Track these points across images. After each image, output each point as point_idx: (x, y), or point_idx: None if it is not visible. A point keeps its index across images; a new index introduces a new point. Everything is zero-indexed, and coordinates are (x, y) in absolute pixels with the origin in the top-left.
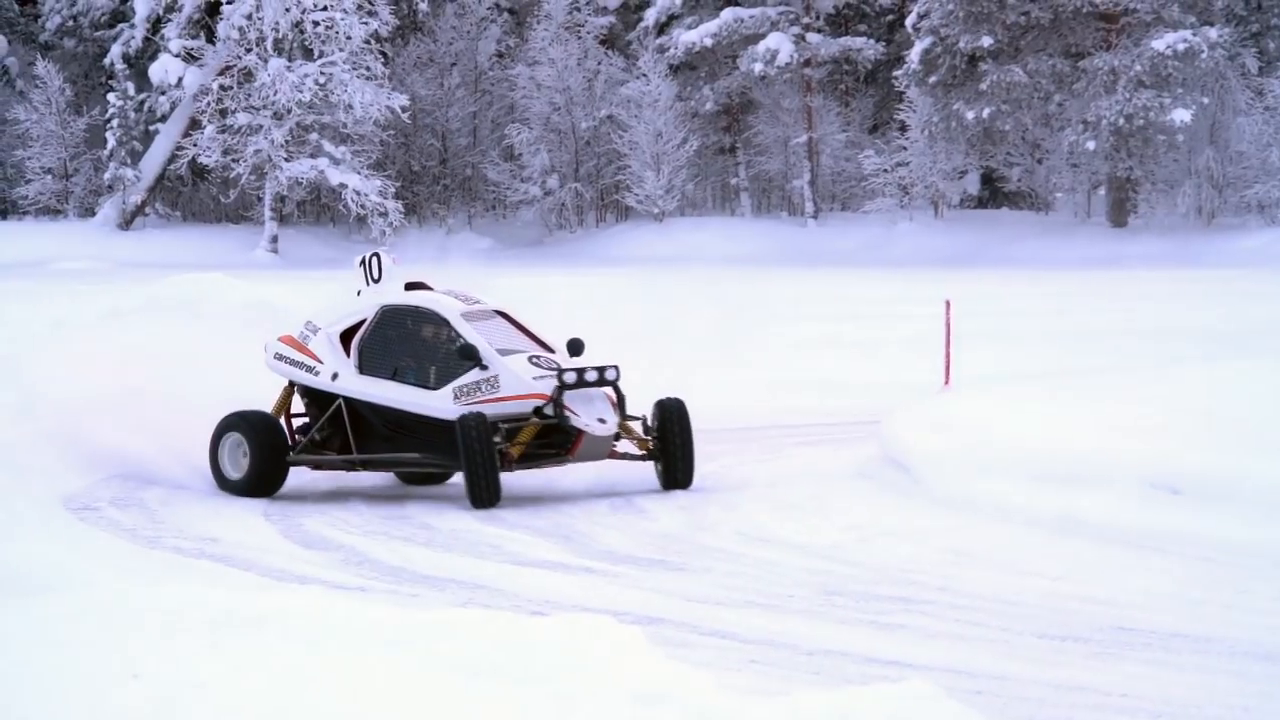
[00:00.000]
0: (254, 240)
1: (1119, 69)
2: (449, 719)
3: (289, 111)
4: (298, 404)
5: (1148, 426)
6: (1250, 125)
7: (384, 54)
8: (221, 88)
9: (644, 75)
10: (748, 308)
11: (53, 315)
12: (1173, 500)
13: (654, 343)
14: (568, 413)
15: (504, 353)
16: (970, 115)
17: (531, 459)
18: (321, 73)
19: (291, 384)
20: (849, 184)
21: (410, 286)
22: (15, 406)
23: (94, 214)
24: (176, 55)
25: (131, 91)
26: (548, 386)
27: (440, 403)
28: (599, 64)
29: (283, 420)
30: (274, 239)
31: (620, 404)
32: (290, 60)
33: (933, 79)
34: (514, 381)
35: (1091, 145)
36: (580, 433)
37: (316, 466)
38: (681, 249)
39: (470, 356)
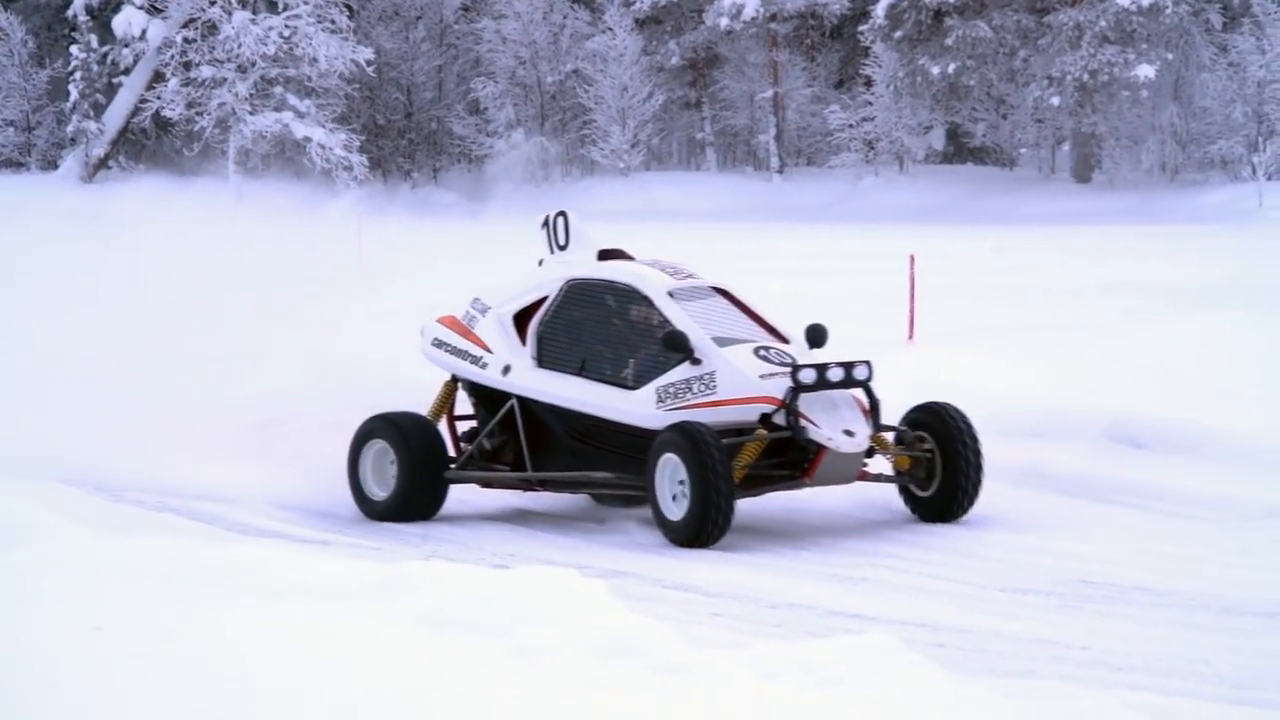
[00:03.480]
0: (219, 193)
1: (1084, 24)
2: (411, 671)
3: (253, 64)
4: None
5: (1111, 381)
6: (1214, 81)
7: (349, 7)
8: (185, 40)
9: (609, 29)
10: (711, 261)
11: None
12: (1135, 454)
13: None
14: (805, 422)
15: (723, 342)
16: (935, 70)
17: (757, 482)
18: (286, 25)
19: (454, 379)
20: (814, 139)
21: (606, 255)
22: None
23: (56, 167)
24: (140, 7)
25: (95, 44)
26: (779, 388)
27: (639, 406)
28: (564, 18)
29: (443, 425)
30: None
31: (873, 411)
32: (254, 13)
33: (898, 34)
34: (735, 380)
35: (1056, 101)
36: (821, 448)
37: (485, 484)
38: (647, 203)
39: (678, 347)
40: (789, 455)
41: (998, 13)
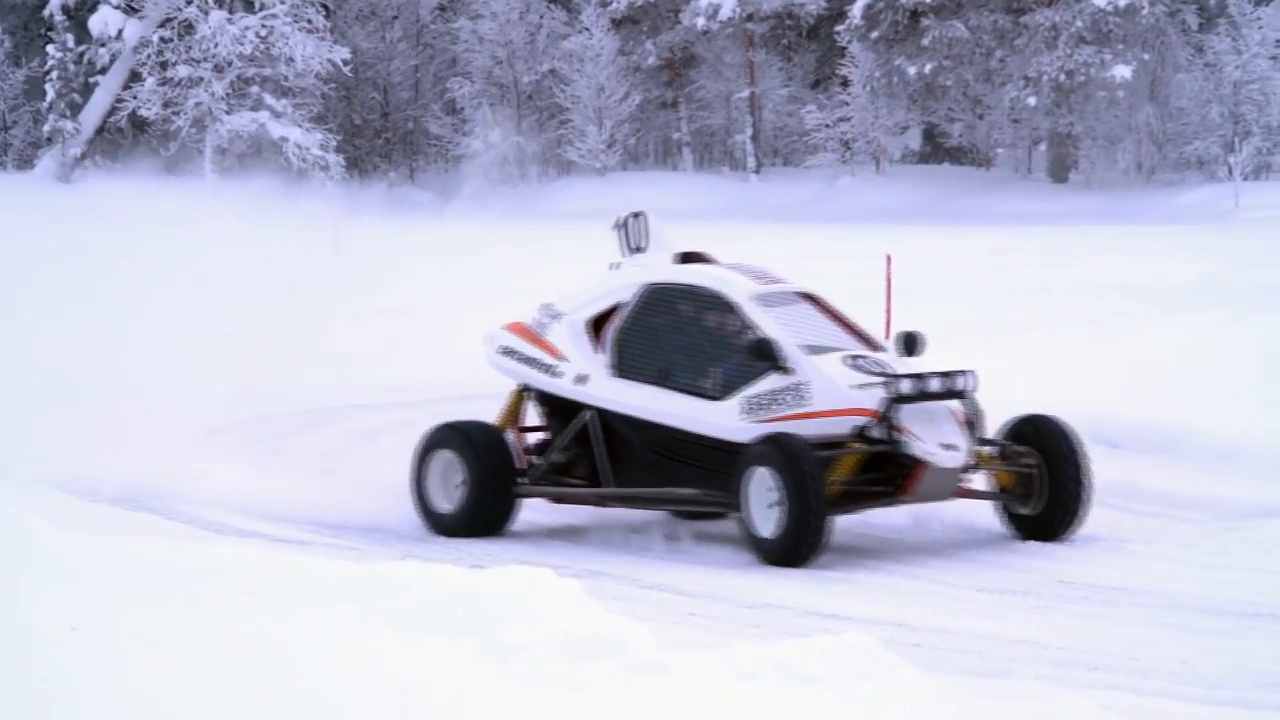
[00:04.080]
0: (195, 193)
1: (1060, 25)
2: (388, 670)
3: (230, 64)
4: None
5: (1088, 381)
6: (1190, 82)
7: (325, 7)
8: (162, 40)
9: (586, 29)
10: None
11: None
12: (1112, 454)
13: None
14: (904, 435)
15: (813, 350)
16: (912, 71)
17: (852, 499)
18: (263, 25)
19: (523, 388)
20: (791, 139)
21: (686, 258)
22: None
23: (33, 166)
24: (116, 7)
25: (71, 43)
26: (874, 399)
27: (724, 418)
28: (541, 18)
29: (511, 436)
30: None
31: (973, 423)
32: (231, 12)
33: (875, 34)
34: (828, 391)
35: (1032, 101)
36: (920, 463)
37: (556, 499)
38: (623, 203)
39: (767, 355)
40: (883, 470)
41: (974, 13)
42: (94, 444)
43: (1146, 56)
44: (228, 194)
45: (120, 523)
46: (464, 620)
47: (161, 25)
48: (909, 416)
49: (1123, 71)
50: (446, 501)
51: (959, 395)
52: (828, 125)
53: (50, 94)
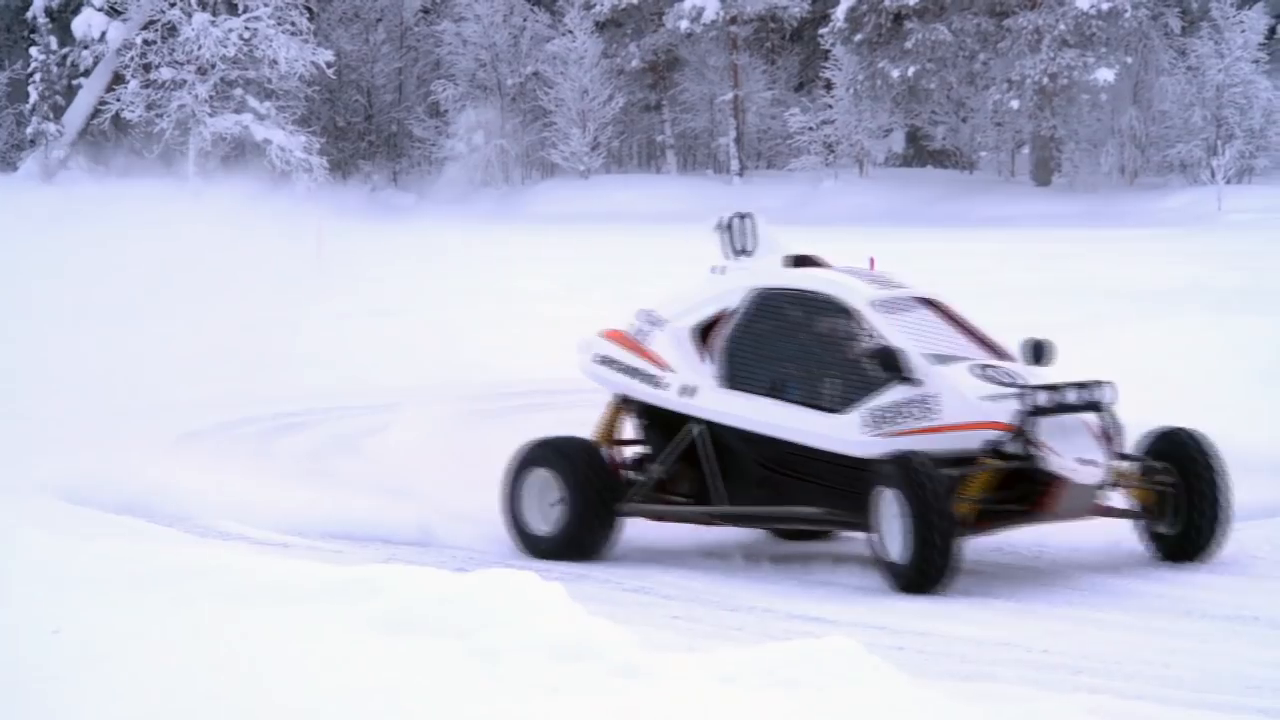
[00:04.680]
0: (178, 195)
1: (1043, 28)
2: (370, 673)
3: (213, 66)
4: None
5: None
6: (1173, 85)
7: (309, 9)
8: (145, 42)
9: (570, 32)
10: (673, 264)
11: None
12: None
13: (557, 301)
14: (1042, 450)
15: (939, 359)
16: (895, 73)
17: (987, 520)
18: (246, 27)
19: (621, 400)
20: (774, 142)
21: (797, 262)
22: None
23: (16, 168)
24: (100, 9)
25: (54, 45)
26: (1008, 412)
27: (846, 432)
28: (525, 20)
29: (608, 451)
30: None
31: (1111, 438)
32: (214, 14)
33: (858, 37)
34: (958, 403)
35: (1016, 104)
36: (1058, 480)
37: (658, 518)
38: (607, 206)
39: (892, 365)
40: (1014, 487)
41: (957, 16)
42: (73, 447)
43: (1129, 60)
44: (211, 196)
45: (101, 526)
46: (446, 623)
47: (145, 27)
48: (1044, 430)
49: (1106, 75)
50: (544, 523)
51: (1098, 408)
52: (811, 128)
53: (33, 96)
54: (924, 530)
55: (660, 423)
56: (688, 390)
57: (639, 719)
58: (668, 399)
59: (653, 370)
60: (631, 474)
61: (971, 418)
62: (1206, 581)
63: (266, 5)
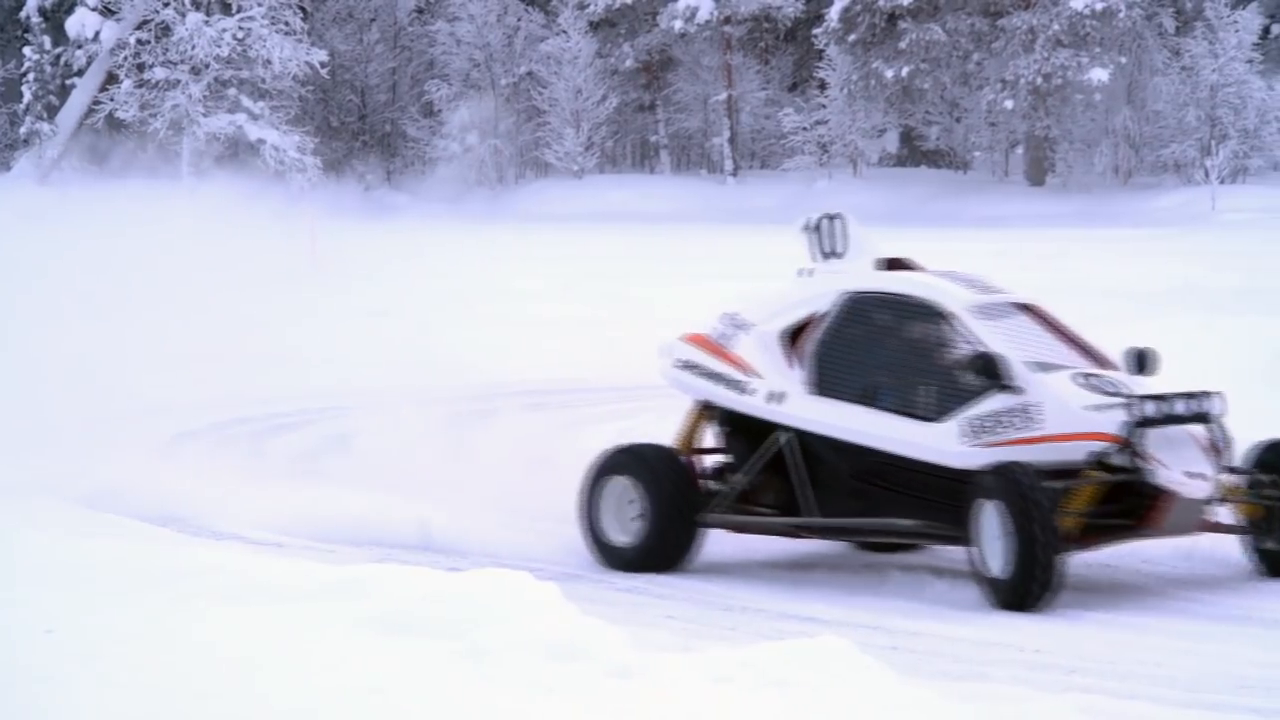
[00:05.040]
0: (172, 195)
1: (1037, 28)
2: (364, 673)
3: (207, 66)
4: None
5: None
6: (1167, 85)
7: (303, 9)
8: (139, 42)
9: (564, 32)
10: (665, 264)
11: None
12: None
13: (550, 302)
14: (1149, 463)
15: (1040, 367)
16: (889, 74)
17: (1093, 535)
18: (240, 27)
19: (704, 406)
20: (768, 142)
21: (890, 265)
22: None
23: (9, 168)
24: (93, 9)
25: (48, 45)
26: (1114, 422)
27: (943, 442)
28: (519, 20)
29: (689, 459)
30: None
31: (1219, 450)
32: (208, 14)
33: (852, 37)
34: (1061, 413)
35: (1009, 104)
36: (1166, 493)
37: (741, 529)
38: (601, 206)
39: (991, 373)
40: (1119, 500)
41: (951, 16)
42: (67, 448)
43: (1123, 60)
44: (204, 196)
45: (95, 525)
46: (439, 623)
47: (138, 27)
48: (1151, 442)
49: (1100, 75)
50: (623, 533)
51: (1207, 420)
52: (805, 128)
53: (27, 96)
54: (1027, 545)
55: (744, 430)
56: (775, 397)
57: (632, 719)
58: (754, 405)
59: (738, 376)
60: (711, 484)
61: (1075, 428)
62: (1198, 581)
63: (260, 5)
